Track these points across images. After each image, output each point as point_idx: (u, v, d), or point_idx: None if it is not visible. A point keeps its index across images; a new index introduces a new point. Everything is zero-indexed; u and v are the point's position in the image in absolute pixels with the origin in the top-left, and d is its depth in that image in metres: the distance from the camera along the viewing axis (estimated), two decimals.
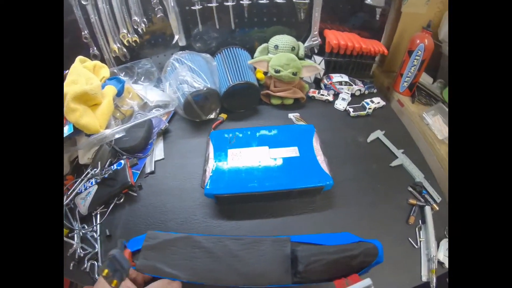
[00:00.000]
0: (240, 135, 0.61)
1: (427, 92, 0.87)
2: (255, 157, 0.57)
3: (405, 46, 0.80)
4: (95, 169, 0.64)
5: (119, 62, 0.87)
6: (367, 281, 0.27)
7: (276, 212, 0.56)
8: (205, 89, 0.65)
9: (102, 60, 0.84)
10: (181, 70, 0.69)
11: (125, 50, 0.85)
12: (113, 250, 0.30)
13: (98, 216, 0.58)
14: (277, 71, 0.70)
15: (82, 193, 0.60)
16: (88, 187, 0.61)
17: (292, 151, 0.58)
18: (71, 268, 0.49)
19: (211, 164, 0.56)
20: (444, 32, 0.81)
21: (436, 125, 0.77)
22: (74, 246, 0.52)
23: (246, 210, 0.56)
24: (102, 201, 0.59)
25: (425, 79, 0.89)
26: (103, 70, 0.78)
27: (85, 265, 0.49)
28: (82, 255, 0.51)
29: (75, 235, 0.53)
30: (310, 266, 0.28)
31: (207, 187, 0.53)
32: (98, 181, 0.61)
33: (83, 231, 0.54)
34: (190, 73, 0.68)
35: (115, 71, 0.83)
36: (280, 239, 0.32)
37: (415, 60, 0.78)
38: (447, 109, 0.78)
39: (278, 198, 0.56)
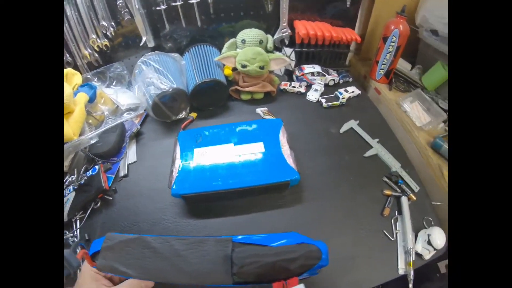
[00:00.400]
0: (207, 133, 0.61)
1: (405, 78, 0.85)
2: (220, 155, 0.56)
3: (380, 32, 0.78)
4: (72, 176, 0.65)
5: (93, 67, 0.87)
6: (300, 286, 0.26)
7: (245, 210, 0.56)
8: (170, 90, 0.65)
9: (75, 67, 0.84)
10: (147, 72, 0.68)
11: (96, 55, 0.84)
12: (64, 250, 0.31)
13: (78, 221, 0.58)
14: (244, 66, 0.69)
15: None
16: (66, 194, 0.62)
17: (257, 147, 0.57)
18: None
19: (177, 165, 0.56)
20: (421, 16, 0.79)
21: (414, 111, 0.76)
22: None
23: (214, 208, 0.56)
24: (80, 206, 0.60)
25: (403, 65, 0.87)
26: (76, 77, 0.78)
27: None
28: None
29: None
30: (244, 268, 0.28)
31: (174, 187, 0.53)
32: (75, 187, 0.62)
33: (65, 237, 0.55)
34: (156, 75, 0.68)
35: (89, 76, 0.83)
36: (222, 240, 0.32)
37: (390, 47, 0.77)
38: (425, 95, 0.77)
39: (244, 195, 0.56)
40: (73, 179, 0.64)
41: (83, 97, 0.72)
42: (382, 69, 0.80)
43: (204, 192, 0.52)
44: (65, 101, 0.66)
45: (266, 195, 0.57)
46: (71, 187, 0.63)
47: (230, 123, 0.62)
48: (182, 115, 0.71)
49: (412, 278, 0.47)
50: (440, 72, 0.76)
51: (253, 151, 0.57)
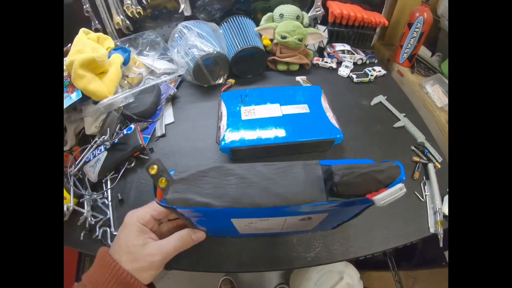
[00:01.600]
0: (251, 94, 0.63)
1: (426, 64, 0.90)
2: (267, 113, 0.58)
3: (404, 20, 0.83)
4: (103, 136, 0.64)
5: (122, 35, 0.87)
6: (400, 185, 0.27)
7: None
8: (215, 52, 0.66)
9: (104, 34, 0.83)
10: (189, 35, 0.69)
11: (128, 22, 0.84)
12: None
13: (109, 182, 0.58)
14: (284, 37, 0.72)
15: (91, 161, 0.60)
16: (97, 155, 0.60)
17: (302, 108, 0.60)
18: (81, 239, 0.49)
19: (225, 121, 0.58)
20: (443, 7, 0.85)
21: (435, 93, 0.81)
22: (85, 214, 0.51)
23: None
24: (113, 166, 0.59)
25: (424, 52, 0.93)
26: (107, 41, 0.78)
27: (97, 233, 0.49)
28: (93, 223, 0.50)
29: (85, 202, 0.53)
30: (345, 178, 0.27)
31: (223, 141, 0.54)
32: (107, 147, 0.61)
33: (94, 196, 0.54)
34: (199, 39, 0.69)
35: (118, 44, 0.82)
36: (310, 163, 0.31)
37: (415, 32, 0.82)
38: (445, 80, 0.82)
39: (291, 152, 0.58)
40: (105, 138, 0.63)
41: (118, 58, 0.72)
42: (405, 53, 0.85)
43: (254, 145, 0.54)
44: (100, 60, 0.66)
45: (310, 153, 0.59)
46: (102, 147, 0.62)
47: (273, 87, 0.65)
48: (221, 80, 0.73)
49: (442, 235, 0.51)
50: None
51: (299, 111, 0.59)
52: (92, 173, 0.58)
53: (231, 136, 0.54)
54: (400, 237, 0.50)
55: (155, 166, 0.24)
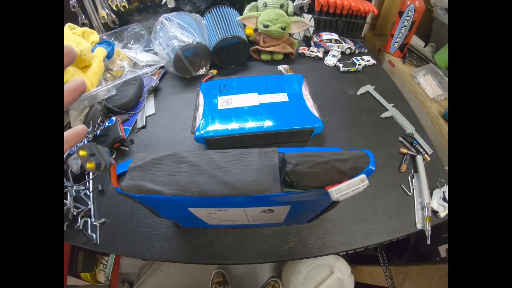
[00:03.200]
0: (231, 84, 0.61)
1: (419, 55, 0.87)
2: (244, 102, 0.57)
3: (396, 9, 0.80)
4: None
5: (108, 29, 0.87)
6: (361, 176, 0.24)
7: None
8: (194, 43, 0.65)
9: (91, 28, 0.83)
10: (170, 26, 0.69)
11: (113, 16, 0.84)
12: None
13: (91, 174, 0.57)
14: (266, 26, 0.70)
15: (74, 153, 0.60)
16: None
17: (281, 97, 0.58)
18: (65, 229, 0.49)
19: (201, 111, 0.57)
20: None
21: (427, 84, 0.78)
22: (67, 205, 0.51)
23: None
24: None
25: (417, 42, 0.89)
26: (92, 35, 0.78)
27: (78, 223, 0.49)
28: (75, 213, 0.50)
29: (68, 193, 0.53)
30: (298, 167, 0.25)
31: (198, 131, 0.53)
32: (90, 139, 0.61)
33: (76, 188, 0.54)
34: (179, 30, 0.68)
35: (104, 37, 0.83)
36: (267, 150, 0.30)
37: (406, 21, 0.79)
38: (438, 71, 0.79)
39: (268, 141, 0.57)
40: (88, 130, 0.63)
41: (101, 51, 0.72)
42: (396, 42, 0.82)
43: (228, 135, 0.53)
44: (83, 54, 0.66)
45: (289, 143, 0.58)
46: (85, 139, 0.62)
47: (252, 76, 0.63)
48: (203, 71, 0.72)
49: (429, 232, 0.48)
50: None
51: (277, 100, 0.57)
52: (75, 165, 0.58)
53: (205, 126, 0.54)
54: (383, 232, 0.48)
55: (84, 150, 0.23)
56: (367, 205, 0.51)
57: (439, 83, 0.77)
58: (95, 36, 0.78)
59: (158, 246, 0.46)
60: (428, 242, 0.48)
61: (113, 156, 0.61)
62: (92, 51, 0.71)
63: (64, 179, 0.55)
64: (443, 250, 0.82)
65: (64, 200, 0.52)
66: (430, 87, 0.76)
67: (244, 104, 0.57)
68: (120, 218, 0.50)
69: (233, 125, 0.53)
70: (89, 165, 0.23)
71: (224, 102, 0.57)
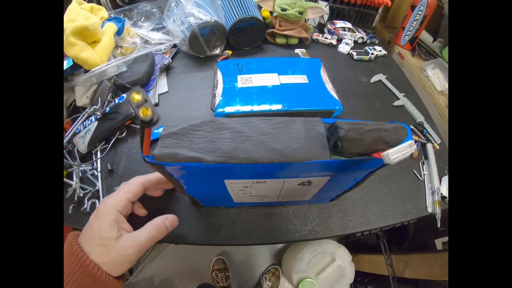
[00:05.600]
0: (249, 63, 0.61)
1: (427, 49, 0.89)
2: (265, 82, 0.57)
3: (407, 4, 0.82)
4: (94, 106, 0.61)
5: (116, 7, 0.84)
6: (410, 141, 0.25)
7: None
8: (212, 21, 0.64)
9: (98, 5, 0.81)
10: (186, 4, 0.67)
11: None
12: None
13: (99, 153, 0.55)
14: (284, 10, 0.69)
15: (81, 132, 0.57)
16: (87, 125, 0.58)
17: (301, 78, 0.58)
18: (70, 212, 0.46)
19: (221, 88, 0.56)
20: None
21: (435, 77, 0.80)
22: (73, 186, 0.48)
23: None
24: (103, 136, 0.57)
25: (426, 37, 0.91)
26: (101, 11, 0.75)
27: (85, 205, 0.46)
28: (81, 195, 0.48)
29: (74, 174, 0.50)
30: (350, 133, 0.25)
31: (219, 108, 0.52)
32: (98, 117, 0.59)
33: (83, 167, 0.51)
34: (196, 7, 0.66)
35: (112, 15, 0.80)
36: (312, 119, 0.29)
37: (417, 15, 0.80)
38: (446, 64, 0.81)
39: None
40: (96, 108, 0.60)
41: (111, 26, 0.70)
42: (407, 35, 0.84)
43: (250, 113, 0.52)
44: (92, 28, 0.63)
45: None
46: (92, 117, 0.60)
47: (271, 57, 0.63)
48: (217, 51, 0.70)
49: (439, 216, 0.50)
50: None
51: (297, 81, 0.57)
52: (82, 144, 0.56)
53: (226, 104, 0.53)
54: (398, 214, 0.49)
55: (140, 94, 0.20)
56: (383, 187, 0.52)
57: (447, 77, 0.79)
58: (103, 12, 0.75)
59: (175, 227, 0.45)
60: (438, 225, 0.50)
61: (124, 135, 0.59)
62: (101, 27, 0.69)
63: (70, 159, 0.53)
64: (439, 243, 0.85)
65: (69, 181, 0.49)
66: (439, 80, 0.78)
67: (265, 83, 0.56)
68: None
69: (255, 103, 0.53)
70: (146, 112, 0.20)
71: (245, 80, 0.57)
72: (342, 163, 0.27)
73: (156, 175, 0.39)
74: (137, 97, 0.20)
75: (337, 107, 0.55)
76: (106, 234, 0.31)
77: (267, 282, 1.09)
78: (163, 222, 0.36)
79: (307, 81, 0.58)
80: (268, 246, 1.24)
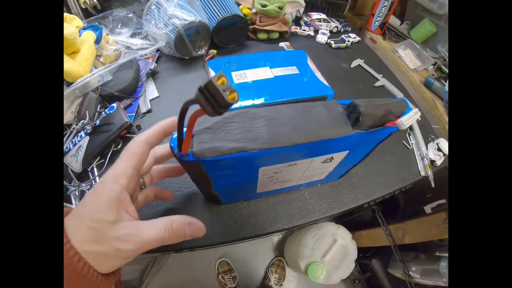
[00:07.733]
0: (240, 60, 0.62)
1: (396, 32, 0.97)
2: (259, 76, 0.58)
3: None
4: (82, 121, 0.58)
5: (88, 16, 0.81)
6: (415, 109, 0.29)
7: None
8: (197, 21, 0.64)
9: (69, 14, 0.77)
10: (168, 6, 0.66)
11: (95, 0, 0.79)
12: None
13: (95, 170, 0.52)
14: (264, 6, 0.72)
15: (71, 150, 0.54)
16: (77, 142, 0.55)
17: (292, 70, 0.61)
18: None
19: None
20: None
21: (407, 57, 0.87)
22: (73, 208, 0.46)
23: None
24: (98, 151, 0.54)
25: (394, 21, 0.99)
26: (75, 21, 0.72)
27: None
28: None
29: (71, 196, 0.48)
30: (368, 109, 0.29)
31: None
32: (88, 131, 0.55)
33: (82, 186, 0.48)
34: (179, 9, 0.66)
35: (85, 25, 0.77)
36: (329, 102, 0.32)
37: (386, 1, 0.86)
38: (416, 45, 0.88)
39: None
40: (85, 122, 0.58)
41: (90, 35, 0.67)
42: (377, 21, 0.90)
43: (252, 106, 0.53)
44: (71, 37, 0.61)
45: None
46: (82, 133, 0.57)
47: (259, 52, 0.64)
48: (202, 51, 0.71)
49: (432, 177, 0.56)
50: (426, 27, 0.89)
51: (289, 73, 0.60)
52: (75, 162, 0.52)
53: None
54: (397, 180, 0.54)
55: (225, 77, 0.18)
56: (380, 159, 0.57)
57: (417, 56, 0.86)
58: (77, 21, 0.72)
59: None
60: (432, 185, 0.55)
61: (120, 146, 0.57)
62: (79, 35, 0.66)
63: (66, 181, 0.49)
64: (428, 209, 0.93)
65: (69, 205, 0.46)
66: (410, 59, 0.85)
67: (259, 77, 0.58)
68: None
69: (255, 97, 0.54)
70: (233, 95, 0.18)
71: (239, 76, 0.58)
72: (363, 135, 0.30)
73: (157, 125, 0.28)
74: (222, 80, 0.18)
75: (329, 93, 0.58)
76: (99, 215, 0.22)
77: (274, 275, 1.11)
78: (184, 227, 0.26)
79: (298, 72, 0.60)
80: (267, 239, 1.26)
